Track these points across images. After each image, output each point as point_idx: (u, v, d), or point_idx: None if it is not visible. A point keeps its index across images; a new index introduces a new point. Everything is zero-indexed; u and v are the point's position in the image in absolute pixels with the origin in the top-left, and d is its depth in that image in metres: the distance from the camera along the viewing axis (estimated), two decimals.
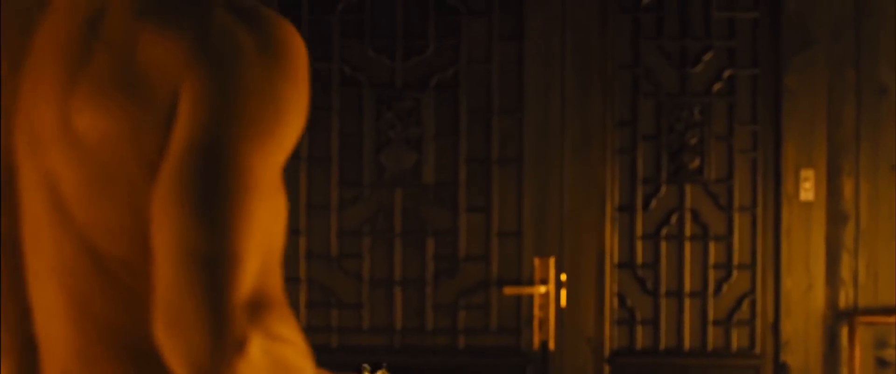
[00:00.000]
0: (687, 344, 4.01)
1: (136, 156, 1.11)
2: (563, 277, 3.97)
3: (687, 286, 4.02)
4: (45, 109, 1.16)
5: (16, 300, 1.20)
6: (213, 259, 1.05)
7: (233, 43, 1.11)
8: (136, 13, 1.14)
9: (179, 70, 1.10)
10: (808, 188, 3.99)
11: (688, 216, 4.04)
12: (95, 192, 1.13)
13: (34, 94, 1.17)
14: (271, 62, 1.12)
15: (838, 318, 3.96)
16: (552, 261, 3.98)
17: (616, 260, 4.02)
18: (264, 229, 1.09)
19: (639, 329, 4.01)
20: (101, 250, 1.13)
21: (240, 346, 1.04)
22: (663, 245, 4.03)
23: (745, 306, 4.01)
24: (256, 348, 1.05)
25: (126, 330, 1.14)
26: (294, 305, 3.99)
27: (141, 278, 1.13)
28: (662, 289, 4.02)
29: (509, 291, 3.95)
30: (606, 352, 4.00)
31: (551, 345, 3.96)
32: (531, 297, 3.98)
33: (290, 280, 3.98)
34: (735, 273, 4.02)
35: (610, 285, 4.01)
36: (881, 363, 3.97)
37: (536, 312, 3.97)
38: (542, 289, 3.94)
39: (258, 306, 1.07)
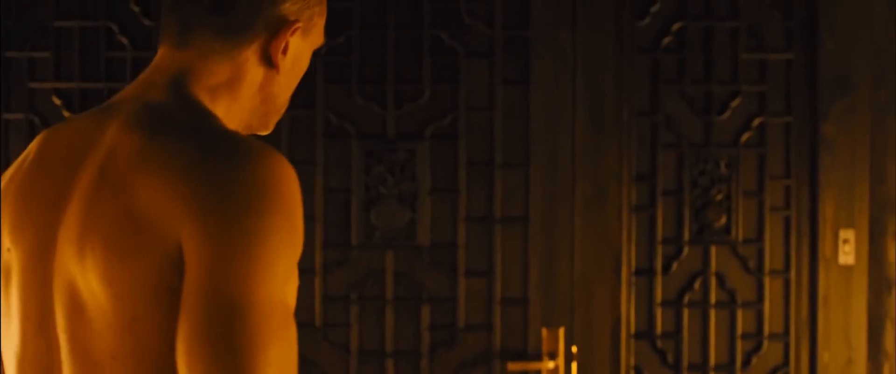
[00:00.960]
0: None
1: (149, 302, 1.19)
2: (574, 349, 3.56)
3: (712, 359, 3.60)
4: (70, 256, 1.24)
5: None
6: None
7: (225, 187, 1.18)
8: (136, 155, 1.22)
9: (178, 219, 1.18)
10: (847, 251, 3.56)
11: (713, 281, 3.62)
12: (117, 341, 1.20)
13: (66, 240, 1.25)
14: (262, 200, 1.18)
15: None
16: (562, 331, 3.56)
17: (633, 330, 3.60)
18: (281, 362, 1.15)
19: None
20: None
21: None
22: (685, 313, 3.61)
23: None
24: None
25: None
26: None
27: None
28: (685, 362, 3.60)
29: (514, 366, 3.53)
30: None
31: None
32: (538, 372, 3.56)
33: None
34: (766, 345, 3.59)
35: (626, 359, 3.59)
36: None
37: None
38: (551, 364, 3.53)
39: None
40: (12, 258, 1.31)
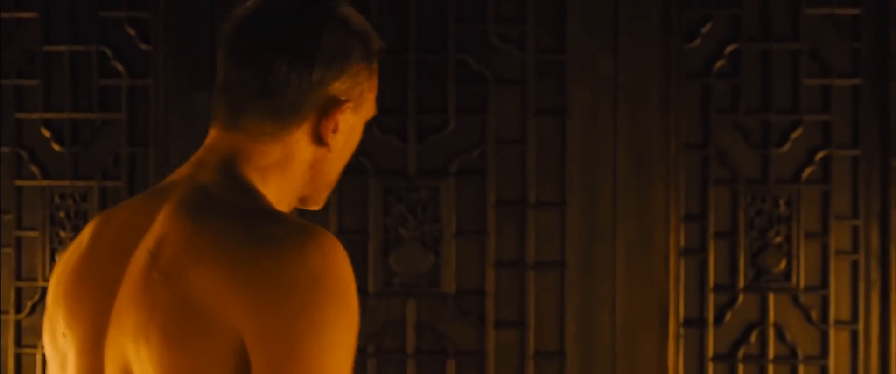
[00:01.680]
0: None
1: None
2: None
3: None
4: (125, 343, 1.27)
5: None
6: None
7: (283, 278, 1.21)
8: (186, 241, 1.25)
9: (238, 313, 1.21)
10: None
11: (771, 333, 3.24)
12: None
13: (119, 327, 1.28)
14: (322, 290, 1.22)
15: None
16: None
17: None
18: None
19: None
20: None
21: None
22: (740, 369, 3.24)
23: None
24: None
25: None
26: None
27: None
28: None
29: None
30: None
31: None
32: None
33: None
34: None
35: None
36: None
37: None
38: None
39: None
40: (68, 344, 1.34)
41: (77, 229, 3.34)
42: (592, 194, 3.23)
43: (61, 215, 3.35)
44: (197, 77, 3.26)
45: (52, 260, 3.33)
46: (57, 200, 3.34)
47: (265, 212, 1.30)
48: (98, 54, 3.31)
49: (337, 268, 1.23)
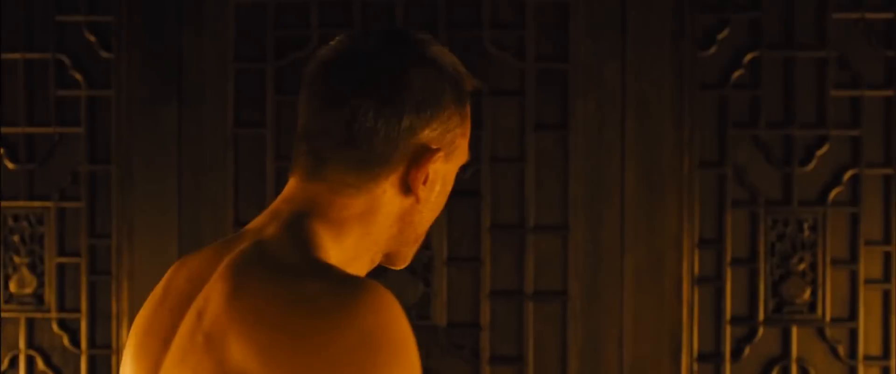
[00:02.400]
0: None
1: None
2: None
3: None
4: None
5: None
6: None
7: (324, 342, 1.10)
8: (227, 301, 1.17)
9: None
10: None
11: (794, 370, 2.95)
12: None
13: None
14: (367, 355, 1.10)
15: None
16: None
17: None
18: None
19: None
20: None
21: None
22: None
23: None
24: None
25: None
26: None
27: None
28: None
29: None
30: None
31: None
32: None
33: None
34: None
35: None
36: None
37: None
38: None
39: None
40: None
41: (32, 254, 3.05)
42: (598, 216, 2.93)
43: (15, 238, 3.06)
44: (163, 88, 2.96)
45: (6, 288, 3.04)
46: (10, 222, 3.06)
47: (312, 266, 1.19)
48: (55, 63, 3.03)
49: (391, 325, 1.12)
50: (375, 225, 1.28)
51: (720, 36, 2.95)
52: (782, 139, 2.96)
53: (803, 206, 2.95)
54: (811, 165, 2.95)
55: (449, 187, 1.35)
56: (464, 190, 2.96)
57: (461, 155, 1.34)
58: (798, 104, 2.95)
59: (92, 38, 3.02)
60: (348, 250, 1.26)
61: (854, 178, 2.95)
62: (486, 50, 2.95)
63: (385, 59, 1.26)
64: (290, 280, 1.16)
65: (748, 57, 2.95)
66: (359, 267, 1.28)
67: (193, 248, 2.95)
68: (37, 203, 3.05)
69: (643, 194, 2.93)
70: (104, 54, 3.02)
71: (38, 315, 3.06)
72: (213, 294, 1.20)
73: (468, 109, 1.33)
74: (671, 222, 2.92)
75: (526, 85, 2.95)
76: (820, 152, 2.95)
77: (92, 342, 3.05)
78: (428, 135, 1.26)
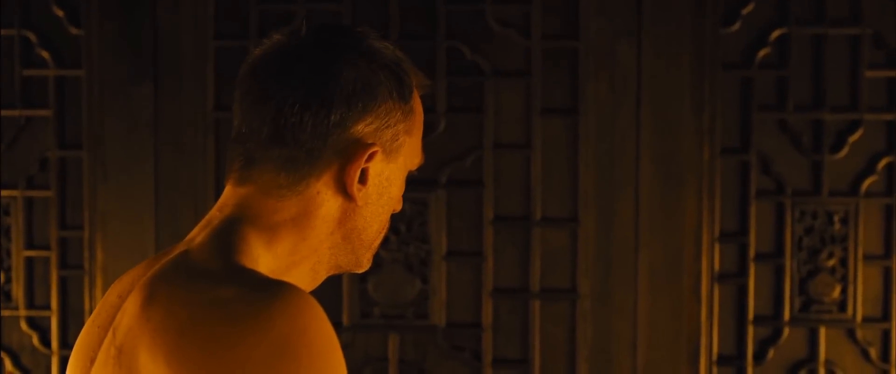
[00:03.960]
0: None
1: None
2: None
3: None
4: None
5: None
6: None
7: (237, 352, 1.04)
8: (138, 315, 1.13)
9: None
10: None
11: (822, 373, 2.73)
12: None
13: None
14: (286, 365, 1.04)
15: None
16: None
17: None
18: None
19: None
20: None
21: None
22: None
23: None
24: None
25: None
26: None
27: None
28: None
29: None
30: None
31: None
32: None
33: None
34: None
35: None
36: None
37: None
38: None
39: None
40: None
41: None
42: (610, 208, 2.70)
43: None
44: (138, 68, 2.73)
45: None
46: None
47: (230, 271, 1.14)
48: (20, 40, 2.79)
49: (308, 332, 1.05)
50: (312, 230, 1.21)
51: (744, 11, 2.70)
52: (811, 124, 2.72)
53: (833, 196, 2.72)
54: (842, 153, 2.72)
55: (397, 191, 1.25)
56: (465, 179, 2.73)
57: (410, 155, 1.26)
58: (829, 86, 2.71)
59: (60, 13, 2.78)
60: (282, 257, 1.21)
61: (889, 166, 2.72)
62: (489, 26, 2.71)
63: (314, 53, 1.20)
64: (203, 286, 1.12)
65: (775, 34, 2.71)
66: (298, 276, 1.22)
67: (171, 240, 2.72)
68: (3, 192, 2.83)
69: (659, 184, 2.69)
70: (73, 30, 2.78)
71: (6, 313, 2.84)
72: (129, 306, 1.16)
73: (416, 106, 1.24)
74: (690, 214, 2.69)
75: (532, 65, 2.71)
76: (852, 138, 2.71)
77: (63, 342, 2.83)
78: (362, 130, 1.19)
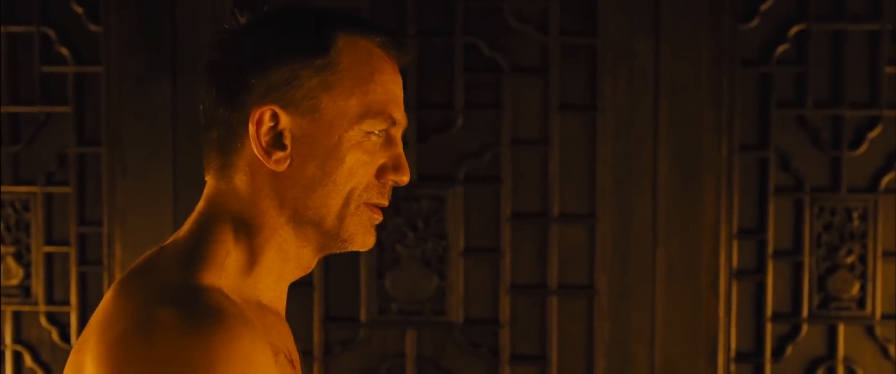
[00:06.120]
0: None
1: None
2: None
3: None
4: None
5: None
6: None
7: (121, 367, 1.07)
8: (93, 321, 1.15)
9: None
10: None
11: (841, 370, 2.72)
12: None
13: None
14: None
15: None
16: None
17: None
18: None
19: None
20: None
21: None
22: None
23: None
24: None
25: None
26: None
27: None
28: None
29: None
30: None
31: None
32: None
33: None
34: None
35: None
36: None
37: None
38: None
39: None
40: None
41: (18, 243, 2.84)
42: (628, 205, 2.69)
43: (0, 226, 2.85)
44: (156, 64, 2.73)
45: None
46: None
47: (174, 290, 1.12)
48: (40, 36, 2.80)
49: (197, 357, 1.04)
50: (257, 206, 1.19)
51: (763, 7, 2.69)
52: (830, 120, 2.71)
53: (852, 193, 2.71)
54: (862, 149, 2.70)
55: (345, 153, 1.18)
56: (482, 176, 2.72)
57: (349, 112, 1.19)
58: (848, 82, 2.70)
59: (79, 10, 2.79)
60: (245, 242, 1.19)
61: None
62: (507, 22, 2.70)
63: (228, 37, 1.21)
64: (138, 299, 1.11)
65: (794, 30, 2.70)
66: (271, 264, 1.20)
67: None
68: (22, 188, 2.84)
69: (678, 180, 2.69)
70: (92, 27, 2.79)
71: (26, 308, 2.85)
72: (104, 298, 1.18)
73: (340, 59, 1.18)
74: (708, 210, 2.68)
75: (550, 61, 2.70)
76: (871, 135, 2.70)
77: None
78: (261, 95, 1.17)
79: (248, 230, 1.19)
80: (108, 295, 1.16)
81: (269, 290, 1.21)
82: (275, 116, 1.17)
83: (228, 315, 1.08)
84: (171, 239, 1.22)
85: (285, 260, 1.21)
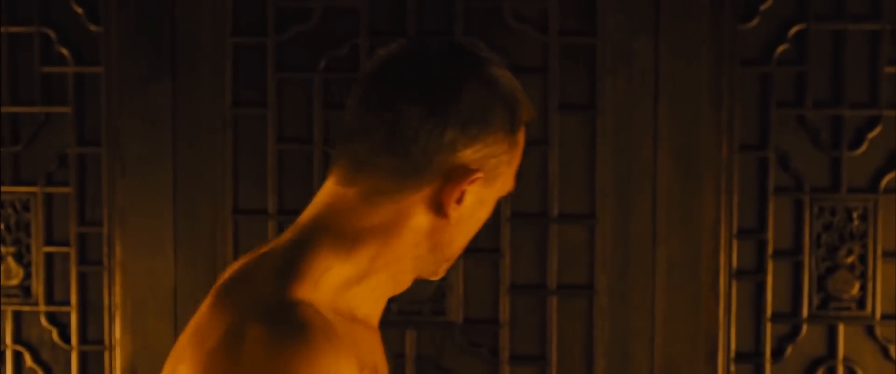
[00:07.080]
0: None
1: None
2: None
3: None
4: None
5: None
6: None
7: None
8: (189, 330, 1.19)
9: None
10: None
11: (841, 370, 2.72)
12: None
13: None
14: None
15: None
16: None
17: None
18: None
19: None
20: None
21: None
22: None
23: None
24: None
25: None
26: None
27: None
28: None
29: None
30: None
31: None
32: None
33: None
34: None
35: None
36: None
37: None
38: None
39: None
40: None
41: (18, 243, 2.84)
42: (627, 205, 2.69)
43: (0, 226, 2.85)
44: (156, 64, 2.73)
45: None
46: None
47: (267, 303, 1.15)
48: (40, 37, 2.80)
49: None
50: (399, 239, 1.23)
51: (763, 7, 2.69)
52: (830, 120, 2.71)
53: (853, 193, 2.71)
54: (862, 149, 2.70)
55: (485, 214, 1.28)
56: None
57: (504, 183, 1.28)
58: (848, 82, 2.69)
59: (79, 10, 2.79)
60: (361, 264, 1.22)
61: None
62: (506, 22, 2.70)
63: (440, 69, 1.22)
64: (234, 313, 1.14)
65: (793, 30, 2.69)
66: (376, 283, 1.24)
67: (189, 236, 2.73)
68: (22, 188, 2.84)
69: (677, 180, 2.68)
70: (92, 27, 2.79)
71: (26, 308, 2.85)
72: (201, 307, 1.21)
73: (520, 139, 1.27)
74: (708, 210, 2.68)
75: (549, 61, 2.70)
76: (871, 135, 2.70)
77: (83, 338, 2.84)
78: (469, 155, 1.21)
79: (370, 254, 1.23)
80: (206, 305, 1.20)
81: (366, 305, 1.25)
82: (474, 181, 1.22)
83: (316, 332, 1.11)
84: (271, 244, 1.26)
85: (395, 285, 1.27)
